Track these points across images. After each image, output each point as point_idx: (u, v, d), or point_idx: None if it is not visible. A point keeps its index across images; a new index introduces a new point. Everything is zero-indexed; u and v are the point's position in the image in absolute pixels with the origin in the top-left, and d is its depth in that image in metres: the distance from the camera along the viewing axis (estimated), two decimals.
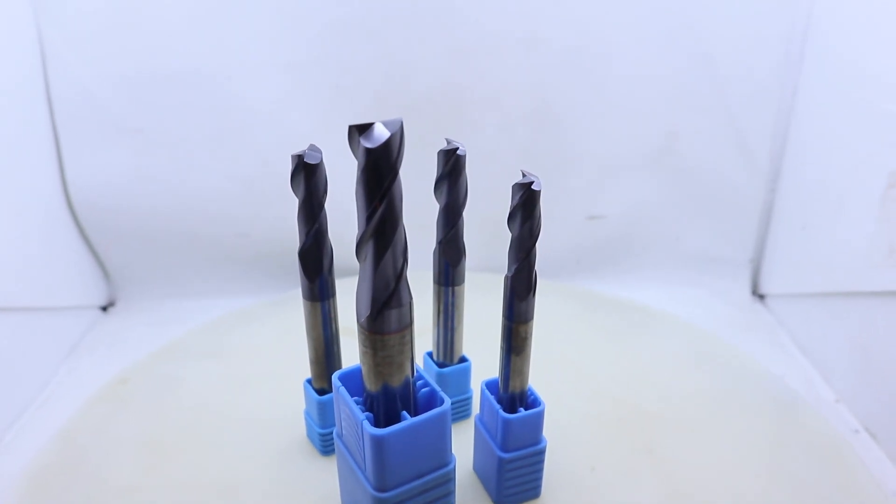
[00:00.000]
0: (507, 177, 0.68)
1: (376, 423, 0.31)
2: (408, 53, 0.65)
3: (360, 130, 0.26)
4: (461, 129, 0.68)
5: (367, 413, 0.31)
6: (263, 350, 0.60)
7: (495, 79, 0.66)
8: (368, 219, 0.26)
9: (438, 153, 0.41)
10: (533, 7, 0.64)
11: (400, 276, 0.28)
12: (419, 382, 0.35)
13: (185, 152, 0.66)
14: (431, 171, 0.42)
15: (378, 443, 0.30)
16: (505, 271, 0.37)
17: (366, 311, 0.28)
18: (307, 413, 0.46)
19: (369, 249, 0.27)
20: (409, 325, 0.30)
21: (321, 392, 0.44)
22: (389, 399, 0.31)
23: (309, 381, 0.44)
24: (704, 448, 0.47)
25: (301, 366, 0.46)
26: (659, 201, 0.72)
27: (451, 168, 0.41)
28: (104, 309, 0.73)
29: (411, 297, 0.29)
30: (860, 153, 0.56)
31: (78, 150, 0.65)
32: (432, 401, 0.34)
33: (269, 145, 0.67)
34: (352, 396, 0.33)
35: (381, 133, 0.25)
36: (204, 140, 0.66)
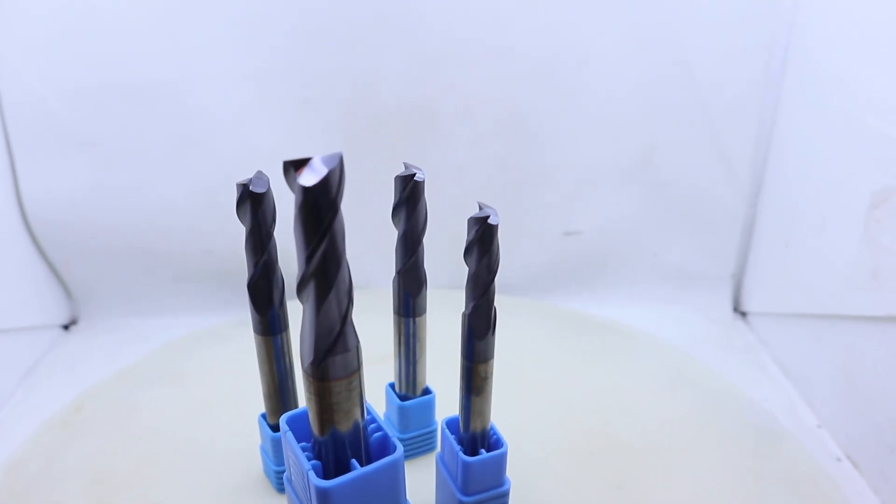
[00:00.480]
0: (480, 191, 0.67)
1: (325, 472, 0.29)
2: (376, 63, 0.63)
3: (295, 167, 0.23)
4: (432, 141, 0.66)
5: (314, 462, 0.29)
6: (225, 375, 0.58)
7: (467, 90, 0.64)
8: (308, 259, 0.24)
9: (395, 178, 0.39)
10: (506, 15, 0.62)
11: (345, 318, 0.26)
12: (371, 426, 0.33)
13: (145, 165, 0.64)
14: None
15: (324, 495, 0.28)
16: None
17: (309, 358, 0.26)
18: (262, 448, 0.44)
19: (310, 291, 0.25)
20: (357, 369, 0.28)
21: (275, 428, 0.42)
22: (338, 446, 0.29)
23: (263, 416, 0.42)
24: (678, 482, 0.46)
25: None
26: (637, 216, 0.70)
27: (409, 194, 0.38)
28: (66, 328, 0.70)
29: (358, 341, 0.27)
30: (843, 171, 0.55)
31: (33, 163, 0.62)
32: (385, 447, 0.32)
33: (232, 158, 0.64)
34: (300, 442, 0.31)
35: (318, 169, 0.23)
36: (165, 153, 0.64)
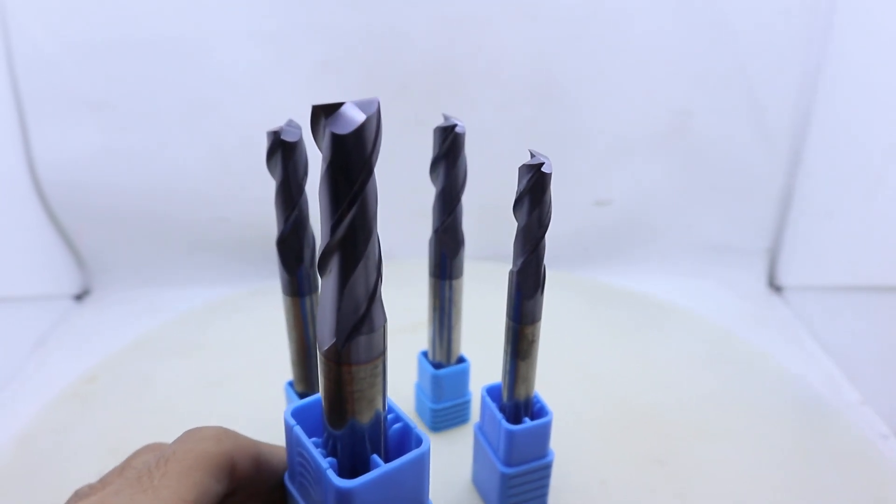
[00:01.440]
0: (509, 158, 0.64)
1: (341, 471, 0.25)
2: (400, 23, 0.60)
3: (325, 112, 0.20)
4: (459, 105, 0.63)
5: (329, 459, 0.25)
6: (241, 346, 0.56)
7: (495, 51, 0.61)
8: (335, 227, 0.21)
9: (435, 130, 0.36)
10: None
11: (373, 296, 0.23)
12: (390, 417, 0.29)
13: (158, 128, 0.61)
14: (427, 153, 0.38)
15: (347, 497, 0.24)
16: (508, 262, 0.32)
17: (330, 339, 0.23)
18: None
19: (335, 264, 0.22)
20: (383, 353, 0.24)
21: (304, 396, 0.40)
22: (357, 440, 0.25)
23: (290, 384, 0.40)
24: (720, 457, 0.44)
25: (283, 364, 0.42)
26: (670, 185, 0.68)
27: (449, 147, 0.36)
28: (79, 298, 0.68)
29: (385, 319, 0.24)
30: (893, 135, 0.52)
31: (44, 124, 0.60)
32: (406, 440, 0.28)
33: (249, 122, 0.62)
34: (310, 437, 0.26)
35: (352, 117, 0.20)
36: (179, 115, 0.61)
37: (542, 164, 0.29)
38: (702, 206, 0.68)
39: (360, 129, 0.20)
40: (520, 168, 0.30)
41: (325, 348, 0.23)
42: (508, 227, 0.32)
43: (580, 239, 0.69)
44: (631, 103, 0.64)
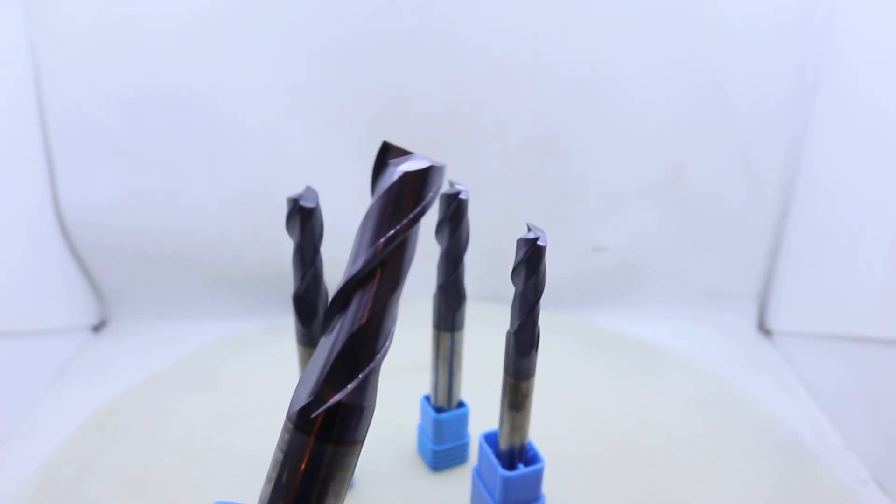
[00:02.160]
0: (510, 205, 0.68)
1: None
2: (409, 77, 0.63)
3: (394, 152, 0.21)
4: (463, 156, 0.66)
5: None
6: (258, 382, 0.58)
7: (499, 105, 0.65)
8: (370, 259, 0.19)
9: (440, 196, 0.39)
10: (539, 32, 0.62)
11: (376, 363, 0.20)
12: None
13: (179, 173, 0.65)
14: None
15: None
16: (508, 303, 0.35)
17: (304, 402, 0.20)
18: None
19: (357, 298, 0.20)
20: (363, 439, 0.21)
21: None
22: None
23: None
24: (708, 500, 0.46)
25: None
26: (664, 233, 0.70)
27: (454, 212, 0.39)
28: (96, 329, 0.71)
29: (375, 402, 0.21)
30: (875, 192, 0.55)
31: (71, 167, 0.63)
32: None
33: (265, 168, 0.65)
34: None
35: (420, 161, 0.20)
36: (198, 161, 0.64)
37: (538, 238, 0.32)
38: (695, 253, 0.71)
39: (427, 171, 0.20)
40: (518, 241, 0.33)
41: (295, 413, 0.20)
42: (508, 268, 0.34)
43: (578, 283, 0.72)
44: (628, 156, 0.67)
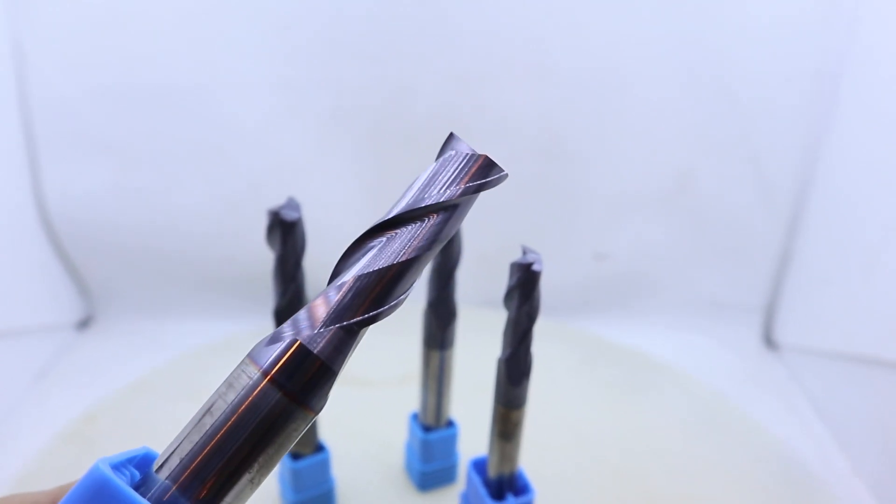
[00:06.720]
0: (512, 211, 0.65)
1: None
2: (409, 77, 0.61)
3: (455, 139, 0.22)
4: None
5: None
6: None
7: (502, 107, 0.62)
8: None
9: (511, 265, 0.37)
10: (544, 32, 0.60)
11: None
12: None
13: (167, 169, 0.63)
14: None
15: None
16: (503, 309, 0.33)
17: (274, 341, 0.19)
18: (280, 476, 0.43)
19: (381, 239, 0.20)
20: (318, 410, 0.20)
21: (295, 456, 0.41)
22: None
23: None
24: None
25: None
26: (669, 242, 0.68)
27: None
28: (80, 326, 0.69)
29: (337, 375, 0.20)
30: (892, 211, 0.52)
31: (57, 162, 0.61)
32: None
33: (256, 167, 0.63)
34: None
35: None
36: (188, 158, 0.62)
37: (532, 262, 0.30)
38: (701, 263, 0.69)
39: (495, 164, 0.21)
40: (511, 265, 0.31)
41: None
42: (503, 273, 0.32)
43: (580, 291, 0.70)
44: (635, 162, 0.65)
